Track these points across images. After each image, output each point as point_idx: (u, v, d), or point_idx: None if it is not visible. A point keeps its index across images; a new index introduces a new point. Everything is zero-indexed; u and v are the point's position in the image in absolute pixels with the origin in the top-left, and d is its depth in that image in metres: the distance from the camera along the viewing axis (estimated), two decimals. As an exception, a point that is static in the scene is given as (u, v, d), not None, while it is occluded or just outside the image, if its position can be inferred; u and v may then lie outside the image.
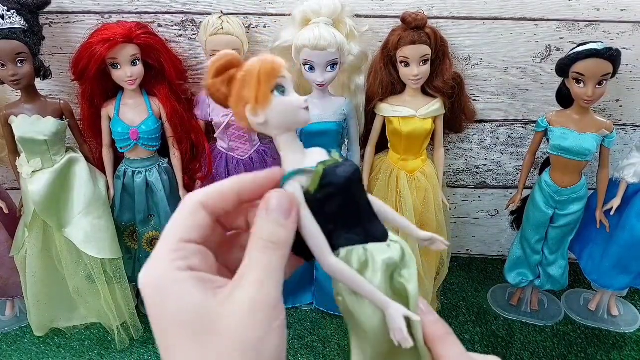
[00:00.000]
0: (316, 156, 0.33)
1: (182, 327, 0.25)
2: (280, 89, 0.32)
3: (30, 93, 1.11)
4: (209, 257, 0.29)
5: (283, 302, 0.27)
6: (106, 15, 1.20)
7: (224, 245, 0.32)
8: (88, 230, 1.17)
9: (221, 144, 1.25)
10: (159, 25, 1.21)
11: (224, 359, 0.25)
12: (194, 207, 0.29)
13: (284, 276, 0.28)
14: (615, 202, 1.22)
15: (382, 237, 0.33)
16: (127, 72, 1.10)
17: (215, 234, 0.31)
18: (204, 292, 0.26)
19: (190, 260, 0.27)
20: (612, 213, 1.23)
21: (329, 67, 1.07)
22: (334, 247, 0.31)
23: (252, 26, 1.21)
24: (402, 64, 1.11)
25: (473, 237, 1.57)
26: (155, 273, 0.26)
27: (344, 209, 0.31)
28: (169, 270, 0.26)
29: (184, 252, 0.27)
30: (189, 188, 1.28)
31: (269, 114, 0.32)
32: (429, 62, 1.11)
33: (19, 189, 1.19)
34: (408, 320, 0.30)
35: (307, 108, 0.32)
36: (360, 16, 1.18)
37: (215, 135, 1.24)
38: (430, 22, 1.10)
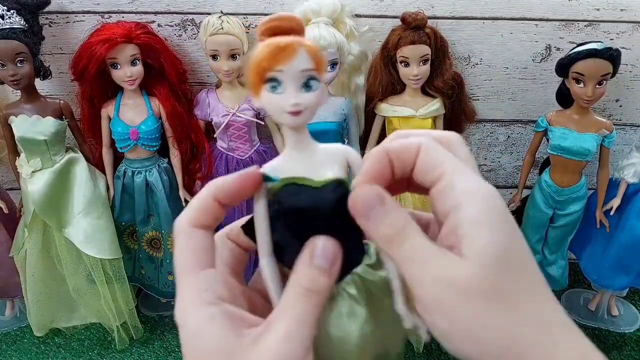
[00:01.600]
0: (309, 161, 0.30)
1: None
2: (272, 84, 0.28)
3: (30, 93, 1.11)
4: (232, 283, 0.28)
5: (312, 354, 0.25)
6: (106, 15, 1.20)
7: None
8: (88, 230, 1.17)
9: (221, 144, 1.25)
10: (159, 25, 1.21)
11: None
12: (186, 230, 0.27)
13: (315, 326, 0.26)
14: (615, 202, 1.22)
15: None
16: (127, 72, 1.10)
17: (237, 257, 0.30)
18: (230, 333, 0.25)
19: (217, 290, 0.26)
20: (612, 213, 1.23)
21: (328, 67, 1.07)
22: (279, 259, 0.29)
23: (252, 26, 1.21)
24: (402, 64, 1.11)
25: (473, 237, 1.57)
26: (185, 306, 0.26)
27: (287, 232, 0.29)
28: (198, 305, 0.25)
29: (205, 282, 0.26)
30: (189, 188, 1.28)
31: (262, 103, 0.29)
32: (429, 62, 1.11)
33: (19, 189, 1.19)
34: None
35: (295, 113, 0.28)
36: (360, 16, 1.18)
37: (215, 135, 1.24)
38: (430, 22, 1.10)
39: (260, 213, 0.29)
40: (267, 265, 0.29)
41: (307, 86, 0.28)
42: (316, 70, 0.28)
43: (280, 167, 0.30)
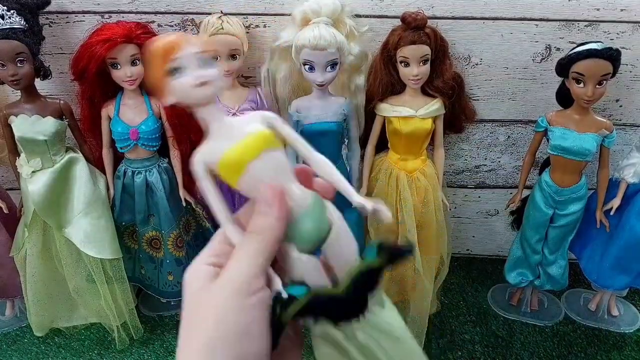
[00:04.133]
0: (231, 132, 0.33)
1: (185, 310, 0.30)
2: (175, 72, 0.32)
3: (30, 93, 1.11)
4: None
5: (261, 282, 0.29)
6: (106, 15, 1.20)
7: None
8: (88, 230, 1.17)
9: (221, 144, 1.25)
10: (159, 25, 1.21)
11: (200, 335, 0.27)
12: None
13: (266, 261, 0.30)
14: (615, 202, 1.22)
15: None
16: (127, 72, 1.10)
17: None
18: (206, 280, 0.30)
19: (220, 259, 0.31)
20: (612, 213, 1.23)
21: (328, 67, 1.07)
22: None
23: (252, 26, 1.21)
24: (402, 64, 1.11)
25: (473, 237, 1.57)
26: (190, 267, 0.32)
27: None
28: (197, 264, 0.32)
29: (216, 252, 0.32)
30: (189, 188, 1.28)
31: (174, 96, 0.33)
32: (429, 62, 1.11)
33: (19, 189, 1.19)
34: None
35: (204, 83, 0.32)
36: (360, 16, 1.18)
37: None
38: (430, 22, 1.10)
39: (206, 192, 0.34)
40: (230, 232, 0.34)
41: (206, 64, 0.33)
42: (205, 52, 0.33)
43: (211, 150, 0.33)
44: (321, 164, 0.35)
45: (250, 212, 0.33)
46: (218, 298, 0.28)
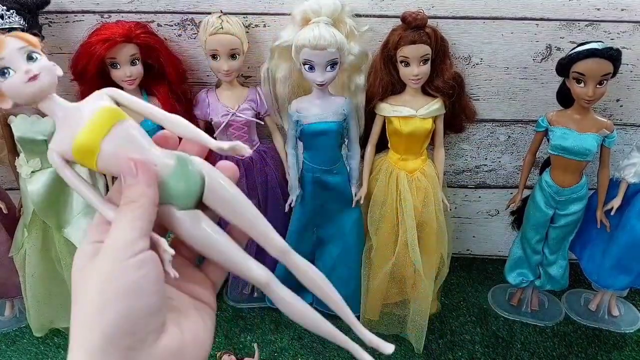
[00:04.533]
0: (83, 115, 0.33)
1: (72, 289, 0.32)
2: (3, 74, 0.32)
3: (29, 93, 1.11)
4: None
5: (143, 244, 0.30)
6: (105, 15, 1.19)
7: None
8: (87, 231, 1.16)
9: (221, 144, 1.25)
10: (159, 25, 1.21)
11: (88, 301, 0.29)
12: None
13: (145, 224, 0.31)
14: (616, 202, 1.22)
15: None
16: (127, 72, 1.10)
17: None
18: (90, 257, 0.32)
19: (102, 236, 0.33)
20: (612, 213, 1.23)
21: (328, 67, 1.07)
22: None
23: (251, 26, 1.21)
24: (402, 64, 1.10)
25: (473, 237, 1.57)
26: (76, 252, 0.35)
27: None
28: (81, 247, 0.34)
29: (98, 232, 0.34)
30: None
31: (9, 99, 0.33)
32: (429, 62, 1.11)
33: (19, 189, 1.19)
34: None
35: (33, 78, 0.32)
36: (360, 15, 1.18)
37: (214, 135, 1.23)
38: (430, 22, 1.10)
39: (70, 179, 0.35)
40: (103, 209, 0.35)
41: (32, 58, 0.33)
42: (28, 46, 0.33)
43: (62, 140, 0.34)
44: (176, 122, 0.36)
45: (120, 191, 0.33)
46: (101, 265, 0.30)
